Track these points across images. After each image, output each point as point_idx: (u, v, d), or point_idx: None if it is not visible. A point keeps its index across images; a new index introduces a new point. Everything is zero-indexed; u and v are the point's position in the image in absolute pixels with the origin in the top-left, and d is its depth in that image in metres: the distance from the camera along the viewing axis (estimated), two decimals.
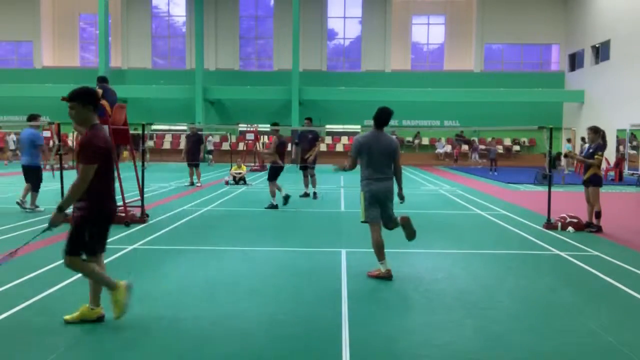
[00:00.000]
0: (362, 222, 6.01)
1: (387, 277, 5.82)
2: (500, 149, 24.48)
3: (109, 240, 7.60)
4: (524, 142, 33.28)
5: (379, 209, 5.96)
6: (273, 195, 11.27)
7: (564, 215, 9.24)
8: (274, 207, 11.19)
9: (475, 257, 6.94)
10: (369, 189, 5.89)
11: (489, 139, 32.35)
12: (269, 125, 31.93)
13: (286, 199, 11.59)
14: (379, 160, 5.92)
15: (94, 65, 33.82)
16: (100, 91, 9.19)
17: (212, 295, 5.18)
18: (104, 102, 9.18)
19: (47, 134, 19.68)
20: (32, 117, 10.08)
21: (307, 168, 13.16)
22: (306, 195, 13.27)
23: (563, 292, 5.42)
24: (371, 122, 6.25)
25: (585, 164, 9.24)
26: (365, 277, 5.88)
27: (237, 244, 7.66)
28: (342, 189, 15.80)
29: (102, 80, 9.72)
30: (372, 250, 5.89)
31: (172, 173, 21.62)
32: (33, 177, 10.24)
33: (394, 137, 6.26)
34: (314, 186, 13.23)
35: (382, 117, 6.01)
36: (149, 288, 5.38)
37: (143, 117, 14.78)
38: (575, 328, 4.40)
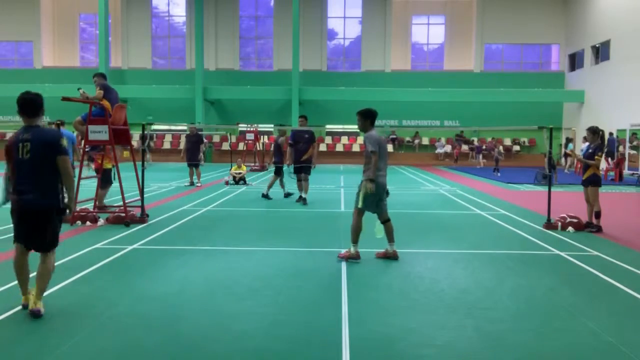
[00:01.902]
0: (357, 208, 6.55)
1: (356, 257, 6.53)
2: (500, 149, 24.46)
3: (109, 240, 7.58)
4: (524, 142, 33.29)
5: (375, 201, 6.56)
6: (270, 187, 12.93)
7: (564, 215, 9.24)
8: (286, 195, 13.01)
9: (475, 257, 6.94)
10: (375, 181, 6.42)
11: (489, 139, 32.36)
12: (269, 125, 32.09)
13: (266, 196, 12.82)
14: (385, 156, 6.60)
15: (94, 65, 33.81)
16: (101, 92, 9.18)
17: (212, 295, 5.18)
18: (104, 102, 9.18)
19: None
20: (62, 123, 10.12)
21: (302, 171, 12.15)
22: (301, 198, 12.25)
23: (563, 292, 5.42)
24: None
25: (585, 164, 9.26)
26: (365, 277, 5.89)
27: (237, 244, 7.66)
28: (342, 189, 15.80)
29: (101, 76, 9.63)
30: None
31: (172, 173, 21.63)
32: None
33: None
34: (305, 191, 12.20)
35: (375, 115, 6.67)
36: (149, 288, 5.38)
37: (143, 117, 14.78)
38: (575, 328, 4.40)
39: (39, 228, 4.60)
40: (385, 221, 6.73)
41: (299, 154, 12.05)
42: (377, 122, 6.87)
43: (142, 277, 5.80)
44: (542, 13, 33.40)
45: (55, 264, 5.99)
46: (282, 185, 13.16)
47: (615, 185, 18.79)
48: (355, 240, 6.58)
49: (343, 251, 6.77)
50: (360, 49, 34.57)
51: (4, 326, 4.30)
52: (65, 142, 4.62)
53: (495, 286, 5.62)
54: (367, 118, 6.63)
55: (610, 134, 23.27)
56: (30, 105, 4.63)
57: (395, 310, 4.81)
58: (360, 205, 6.52)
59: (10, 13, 33.95)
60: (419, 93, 31.94)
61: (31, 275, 4.83)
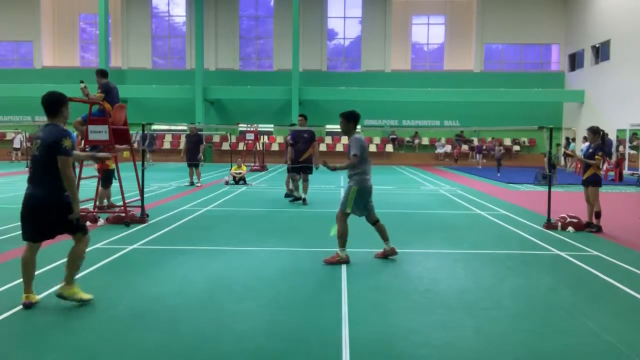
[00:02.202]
0: (346, 212, 6.50)
1: (347, 261, 6.38)
2: (501, 149, 24.48)
3: (109, 240, 7.59)
4: (524, 142, 33.29)
5: (363, 203, 6.57)
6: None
7: (564, 215, 9.24)
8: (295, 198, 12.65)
9: (475, 257, 6.94)
10: (363, 185, 6.49)
11: (489, 139, 32.36)
12: (269, 125, 32.01)
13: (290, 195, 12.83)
14: (368, 159, 6.67)
15: (94, 65, 33.76)
16: (102, 95, 9.16)
17: (212, 295, 5.18)
18: (105, 103, 9.16)
19: None
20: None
21: (301, 171, 12.09)
22: (297, 199, 12.24)
23: (563, 292, 5.43)
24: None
25: (585, 164, 9.26)
26: (365, 277, 5.89)
27: (237, 244, 7.66)
28: (342, 189, 15.79)
29: (103, 74, 9.61)
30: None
31: (172, 173, 21.62)
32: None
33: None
34: (304, 192, 12.14)
35: (358, 117, 6.75)
36: (149, 288, 5.38)
37: (143, 117, 14.79)
38: (575, 328, 4.40)
39: (41, 225, 4.67)
40: (375, 222, 6.73)
41: (298, 153, 11.96)
42: (377, 122, 6.92)
43: (142, 276, 5.80)
44: (542, 13, 33.40)
45: (55, 264, 6.02)
46: (287, 184, 13.13)
47: (615, 185, 18.80)
48: (343, 244, 6.47)
49: (329, 256, 6.51)
50: (360, 49, 34.56)
51: (4, 326, 4.30)
52: (68, 143, 4.62)
53: (495, 286, 5.62)
54: (350, 120, 6.63)
55: (607, 134, 23.29)
56: (46, 104, 4.80)
57: (395, 310, 4.81)
58: (348, 210, 6.49)
59: (10, 13, 33.94)
60: (419, 93, 31.92)
61: (36, 273, 4.83)
